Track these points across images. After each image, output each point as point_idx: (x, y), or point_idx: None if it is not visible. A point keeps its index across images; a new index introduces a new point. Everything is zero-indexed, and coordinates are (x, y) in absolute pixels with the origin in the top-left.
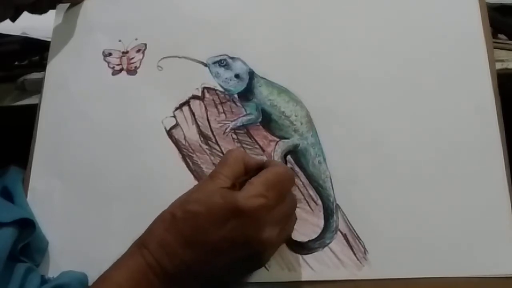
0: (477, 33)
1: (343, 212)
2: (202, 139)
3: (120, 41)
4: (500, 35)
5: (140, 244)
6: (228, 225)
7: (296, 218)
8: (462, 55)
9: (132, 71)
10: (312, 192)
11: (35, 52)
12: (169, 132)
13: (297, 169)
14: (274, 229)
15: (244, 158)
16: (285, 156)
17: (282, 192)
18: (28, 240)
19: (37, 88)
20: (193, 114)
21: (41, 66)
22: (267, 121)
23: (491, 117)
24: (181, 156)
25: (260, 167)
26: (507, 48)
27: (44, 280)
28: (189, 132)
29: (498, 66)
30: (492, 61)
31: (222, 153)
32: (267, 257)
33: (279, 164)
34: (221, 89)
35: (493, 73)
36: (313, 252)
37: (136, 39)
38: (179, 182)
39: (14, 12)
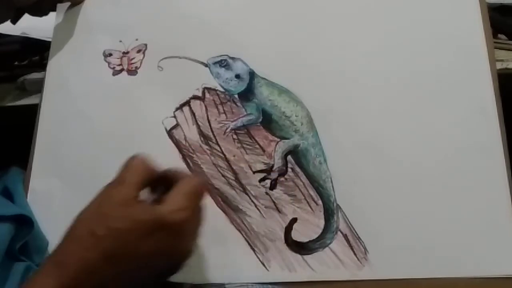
0: (478, 33)
1: (343, 212)
2: (202, 139)
3: (120, 41)
4: (500, 35)
5: (56, 264)
6: (152, 239)
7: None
8: (462, 55)
9: (132, 72)
10: (312, 192)
11: (35, 52)
12: (169, 133)
13: (297, 169)
14: (194, 239)
15: (148, 167)
16: (285, 156)
17: (199, 203)
18: (26, 238)
19: (37, 88)
20: (193, 114)
21: (41, 66)
22: (268, 121)
23: (492, 117)
24: (181, 157)
25: (165, 176)
26: (507, 48)
27: None
28: (190, 133)
29: (498, 66)
30: (492, 61)
31: (223, 153)
32: (181, 266)
33: (192, 175)
34: (221, 90)
35: (494, 74)
36: (314, 252)
37: (136, 39)
38: None
39: (15, 14)
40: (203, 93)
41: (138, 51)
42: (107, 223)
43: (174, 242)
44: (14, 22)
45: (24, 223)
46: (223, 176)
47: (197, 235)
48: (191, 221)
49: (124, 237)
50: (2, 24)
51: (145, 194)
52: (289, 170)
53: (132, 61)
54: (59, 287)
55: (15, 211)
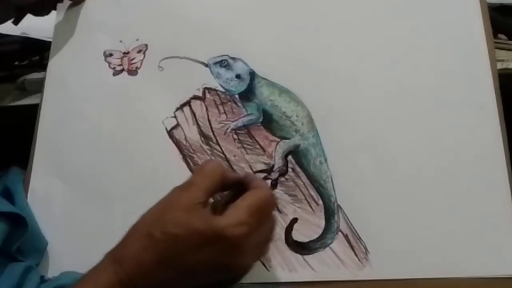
0: (479, 33)
1: (344, 212)
2: (203, 139)
3: (121, 41)
4: (500, 35)
5: (114, 259)
6: (208, 250)
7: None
8: (463, 55)
9: (133, 72)
10: (313, 192)
11: (35, 52)
12: (170, 133)
13: (298, 169)
14: (253, 254)
15: (223, 172)
16: (286, 156)
17: (264, 217)
18: (22, 239)
19: (37, 88)
20: (194, 114)
21: (41, 66)
22: (268, 121)
23: (492, 117)
24: (182, 157)
25: (239, 182)
26: (507, 48)
27: (44, 281)
28: (190, 133)
29: (498, 66)
30: (493, 61)
31: (223, 153)
32: (241, 278)
33: (263, 186)
34: (222, 90)
35: (495, 74)
36: (314, 252)
37: (137, 39)
38: (179, 182)
39: (16, 14)
40: (204, 93)
41: (139, 51)
42: (165, 227)
43: (230, 257)
44: (16, 22)
45: (20, 223)
46: None
47: (260, 251)
48: (251, 237)
49: (178, 244)
50: (2, 24)
51: (216, 197)
52: (290, 170)
53: (133, 61)
54: (116, 282)
55: (9, 209)
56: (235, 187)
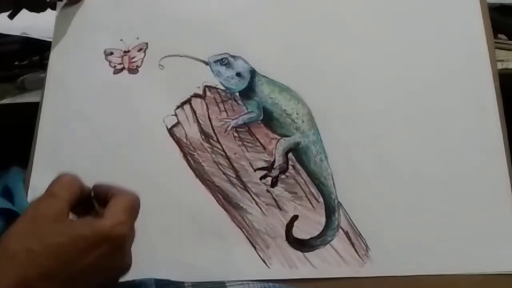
0: (479, 33)
1: (344, 209)
2: (203, 137)
3: (121, 40)
4: (500, 35)
5: None
6: (95, 253)
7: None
8: (463, 55)
9: (133, 70)
10: (313, 190)
11: (35, 52)
12: (170, 131)
13: (298, 166)
14: (131, 253)
15: (80, 184)
16: (286, 153)
17: (136, 217)
18: None
19: (37, 87)
20: (194, 112)
21: (41, 66)
22: (269, 119)
23: (492, 117)
24: (182, 155)
25: (96, 193)
26: (507, 48)
27: None
28: (191, 131)
29: (498, 66)
30: (493, 61)
31: (224, 151)
32: (123, 276)
33: (127, 190)
34: (222, 88)
35: (495, 74)
36: (315, 249)
37: (137, 38)
38: (180, 180)
39: (11, 7)
40: (204, 91)
41: (139, 50)
42: (45, 239)
43: (116, 256)
44: (11, 17)
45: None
46: (224, 174)
47: (130, 248)
48: (130, 235)
49: (64, 253)
50: (2, 24)
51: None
52: (290, 167)
53: (133, 60)
54: None
55: (5, 205)
56: (92, 201)
